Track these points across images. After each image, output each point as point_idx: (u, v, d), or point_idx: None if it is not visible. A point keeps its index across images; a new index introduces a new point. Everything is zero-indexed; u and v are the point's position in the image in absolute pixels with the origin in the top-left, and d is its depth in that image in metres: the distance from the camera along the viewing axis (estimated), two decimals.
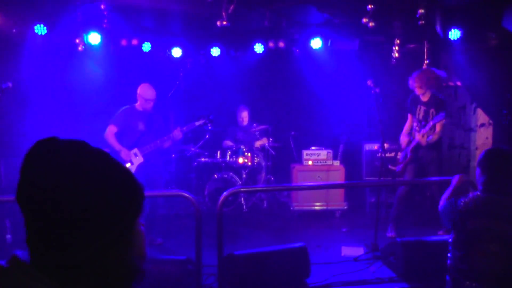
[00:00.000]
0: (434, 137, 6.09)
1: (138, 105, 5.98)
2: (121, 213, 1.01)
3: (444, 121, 6.10)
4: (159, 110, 6.26)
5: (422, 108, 6.24)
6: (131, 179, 1.05)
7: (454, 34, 7.13)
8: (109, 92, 7.30)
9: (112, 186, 0.99)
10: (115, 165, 1.03)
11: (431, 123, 6.03)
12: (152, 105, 5.95)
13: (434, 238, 5.00)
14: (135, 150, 5.85)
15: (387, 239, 5.85)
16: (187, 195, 4.03)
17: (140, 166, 5.83)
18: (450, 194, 3.48)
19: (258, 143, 7.99)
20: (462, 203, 3.11)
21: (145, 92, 5.89)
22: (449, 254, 3.26)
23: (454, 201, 3.18)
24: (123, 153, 5.75)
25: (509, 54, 7.05)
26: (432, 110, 6.16)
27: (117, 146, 5.77)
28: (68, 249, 0.94)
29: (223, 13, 5.15)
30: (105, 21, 6.19)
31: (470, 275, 3.01)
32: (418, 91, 6.20)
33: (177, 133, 5.98)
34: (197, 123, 6.25)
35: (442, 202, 3.42)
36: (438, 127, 6.07)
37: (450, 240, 3.24)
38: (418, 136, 6.16)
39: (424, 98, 6.24)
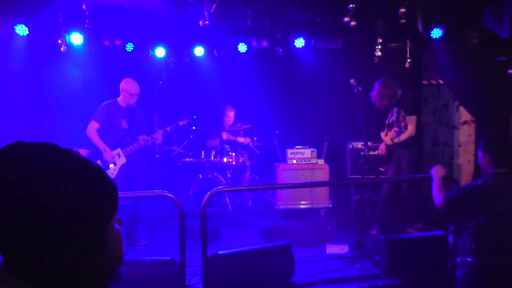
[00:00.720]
0: (404, 136, 6.15)
1: (120, 99, 5.85)
2: (94, 216, 0.96)
3: (415, 118, 6.13)
4: (142, 107, 6.21)
5: (395, 109, 6.33)
6: (103, 178, 1.01)
7: (436, 32, 7.22)
8: (92, 93, 7.24)
9: (82, 188, 0.95)
10: (85, 165, 0.99)
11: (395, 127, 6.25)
12: (135, 100, 5.85)
13: (418, 235, 5.04)
14: (118, 150, 5.79)
15: (372, 236, 5.89)
16: (170, 195, 4.01)
17: (123, 167, 5.79)
18: (440, 188, 3.63)
19: (240, 139, 7.99)
20: (484, 188, 3.28)
21: (129, 87, 5.77)
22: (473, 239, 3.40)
23: (470, 188, 3.34)
24: (107, 153, 5.69)
25: (490, 52, 7.14)
26: (400, 112, 6.27)
27: (101, 145, 5.70)
28: (38, 257, 0.90)
29: (205, 13, 5.14)
30: (87, 21, 6.14)
31: (503, 252, 3.23)
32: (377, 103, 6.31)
33: (158, 136, 5.94)
34: (180, 123, 6.23)
35: (440, 197, 3.57)
36: (409, 126, 6.14)
37: (474, 223, 3.37)
38: (382, 135, 6.32)
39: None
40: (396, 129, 6.32)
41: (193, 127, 7.67)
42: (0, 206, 0.89)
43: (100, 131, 5.80)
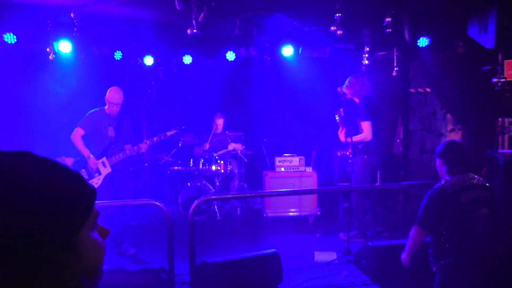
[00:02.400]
0: (357, 137, 6.27)
1: (107, 109, 5.90)
2: (61, 222, 0.89)
3: (368, 123, 6.22)
4: (129, 115, 6.23)
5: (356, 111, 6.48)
6: (77, 184, 0.96)
7: (423, 41, 7.31)
8: (81, 101, 7.23)
9: (50, 192, 0.89)
10: (58, 171, 0.94)
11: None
12: (117, 110, 5.87)
13: (403, 242, 5.08)
14: (104, 159, 5.80)
15: (359, 243, 5.94)
16: (157, 203, 4.03)
17: (107, 176, 5.79)
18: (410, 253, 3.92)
19: (231, 146, 8.01)
20: (446, 187, 3.60)
21: (111, 96, 5.82)
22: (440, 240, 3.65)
23: (433, 193, 3.64)
24: (92, 161, 5.70)
25: (475, 61, 7.25)
26: (356, 113, 6.42)
27: (85, 152, 5.71)
28: (9, 269, 0.85)
29: (193, 21, 5.18)
30: (75, 29, 6.16)
31: (470, 243, 3.51)
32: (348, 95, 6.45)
33: (143, 146, 5.95)
34: (168, 133, 6.23)
35: (410, 233, 3.82)
36: (364, 130, 6.23)
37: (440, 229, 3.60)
38: (338, 132, 6.52)
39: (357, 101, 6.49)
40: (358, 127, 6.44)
41: (183, 127, 7.70)
42: None
43: (86, 139, 5.82)
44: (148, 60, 8.05)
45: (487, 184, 3.72)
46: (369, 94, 6.35)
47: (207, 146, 7.96)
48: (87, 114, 5.89)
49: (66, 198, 0.92)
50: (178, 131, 6.26)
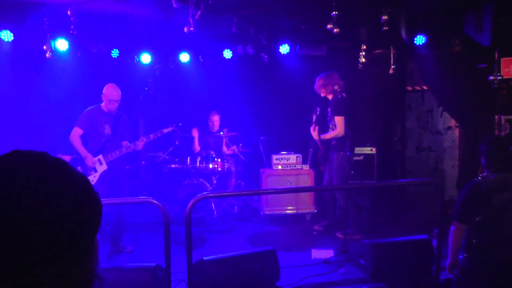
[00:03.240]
0: (330, 134, 6.40)
1: (103, 105, 5.88)
2: (88, 226, 0.96)
3: (342, 118, 6.25)
4: (126, 113, 6.21)
5: (328, 109, 6.56)
6: (91, 189, 1.00)
7: (419, 39, 7.32)
8: (77, 99, 7.22)
9: (75, 199, 0.94)
10: (75, 176, 0.98)
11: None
12: (116, 107, 5.86)
13: (402, 239, 5.10)
14: (100, 157, 5.79)
15: (356, 240, 5.95)
16: (154, 201, 4.02)
17: (103, 174, 5.78)
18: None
19: (227, 150, 8.03)
20: (481, 183, 3.60)
21: (109, 93, 5.79)
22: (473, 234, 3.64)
23: (469, 186, 3.65)
24: (88, 159, 5.69)
25: (472, 59, 7.27)
26: (329, 110, 6.52)
27: (83, 151, 5.71)
28: (34, 268, 0.88)
29: (190, 19, 5.17)
30: (72, 27, 6.14)
31: (501, 244, 3.52)
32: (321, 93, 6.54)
33: (139, 143, 5.92)
34: (165, 131, 6.21)
35: (450, 238, 3.75)
36: (337, 126, 6.29)
37: (474, 220, 3.61)
38: (311, 130, 6.58)
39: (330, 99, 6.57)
40: (329, 126, 6.57)
41: (179, 133, 7.71)
42: (3, 207, 0.87)
43: (83, 137, 5.81)
44: (145, 58, 8.04)
45: None
46: (342, 90, 6.38)
47: (198, 148, 7.98)
48: (84, 112, 5.87)
49: (92, 199, 0.98)
50: (175, 128, 6.24)
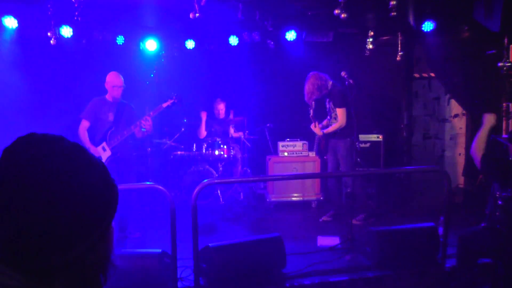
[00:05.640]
0: (333, 127, 6.41)
1: (108, 95, 5.92)
2: (103, 214, 0.95)
3: (344, 110, 6.30)
4: (133, 101, 6.20)
5: (327, 100, 6.59)
6: (108, 174, 0.99)
7: (427, 26, 7.24)
8: (82, 86, 7.22)
9: (92, 185, 0.93)
10: (92, 161, 0.97)
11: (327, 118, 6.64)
12: (120, 93, 5.87)
13: (408, 226, 5.08)
14: (103, 144, 5.81)
15: (362, 228, 5.94)
16: (160, 187, 4.02)
17: (108, 160, 5.79)
18: (482, 144, 4.14)
19: (234, 133, 8.02)
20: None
21: (112, 79, 5.82)
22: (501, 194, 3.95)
23: (507, 161, 3.95)
24: (91, 150, 5.71)
25: (481, 45, 7.18)
26: (328, 101, 6.56)
27: (87, 143, 5.76)
28: (48, 253, 0.87)
29: (196, 5, 5.13)
30: (77, 13, 6.11)
31: None
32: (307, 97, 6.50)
33: (146, 119, 5.81)
34: (164, 105, 6.06)
35: (478, 157, 4.08)
36: (339, 117, 6.33)
37: (503, 194, 3.91)
38: (312, 127, 6.59)
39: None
40: (328, 118, 6.60)
41: (184, 120, 7.68)
42: (16, 198, 0.85)
43: (90, 128, 5.87)
44: (151, 45, 7.99)
45: None
46: (334, 82, 6.39)
47: (204, 133, 7.95)
48: (89, 103, 5.91)
49: (109, 185, 0.98)
50: (175, 100, 6.12)
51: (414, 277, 4.64)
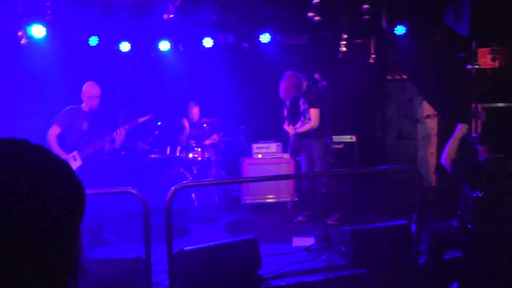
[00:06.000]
0: (306, 127, 6.47)
1: (84, 106, 5.81)
2: (71, 217, 0.91)
3: (318, 110, 6.35)
4: (106, 109, 6.11)
5: (301, 100, 6.64)
6: (75, 177, 0.97)
7: (400, 29, 7.35)
8: (54, 88, 7.09)
9: (58, 188, 0.90)
10: (58, 163, 0.94)
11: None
12: (97, 103, 5.78)
13: (382, 225, 5.16)
14: (74, 153, 5.68)
15: (337, 227, 6.00)
16: (133, 191, 3.99)
17: (79, 169, 5.63)
18: (453, 150, 4.35)
19: (207, 141, 7.99)
20: (485, 167, 4.01)
21: (89, 90, 5.73)
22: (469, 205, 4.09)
23: (473, 164, 4.09)
24: (62, 156, 5.57)
25: (451, 48, 7.34)
26: (303, 101, 6.61)
27: (56, 148, 5.58)
28: (20, 257, 0.84)
29: (170, 6, 5.10)
30: (49, 12, 5.99)
31: (497, 221, 3.94)
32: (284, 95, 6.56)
33: (120, 133, 5.77)
34: (140, 120, 6.03)
35: (448, 162, 4.29)
36: (312, 118, 6.39)
37: (473, 194, 4.03)
38: (285, 126, 6.66)
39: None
40: (302, 119, 6.62)
41: (159, 123, 7.62)
42: None
43: (61, 135, 5.72)
44: (125, 46, 7.91)
45: None
46: (322, 78, 6.43)
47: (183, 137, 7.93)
48: (64, 110, 5.78)
49: (76, 187, 0.95)
50: (151, 116, 6.11)
51: (389, 274, 4.71)
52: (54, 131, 5.67)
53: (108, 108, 6.15)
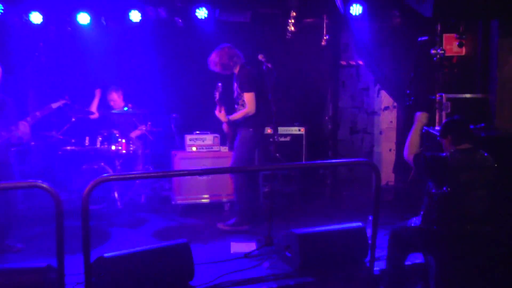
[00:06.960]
0: (239, 114, 6.42)
1: None
2: None
3: (252, 94, 6.31)
4: (15, 83, 5.87)
5: (235, 84, 6.60)
6: None
7: (355, 9, 7.44)
8: None
9: None
10: None
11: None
12: None
13: (333, 228, 5.23)
14: None
15: (242, 233, 6.14)
16: (43, 185, 3.84)
17: None
18: (414, 143, 4.52)
19: (134, 134, 7.86)
20: (450, 160, 4.12)
21: None
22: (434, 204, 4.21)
23: (437, 159, 4.19)
24: None
25: (413, 32, 7.50)
26: (236, 86, 6.54)
27: None
28: None
29: None
30: None
31: (464, 219, 4.08)
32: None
33: (23, 127, 5.44)
34: (54, 105, 5.84)
35: (410, 156, 4.44)
36: (247, 104, 6.34)
37: (438, 191, 4.16)
38: (216, 113, 6.58)
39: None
40: (236, 106, 6.58)
41: (74, 107, 7.42)
42: None
43: None
44: (36, 17, 7.61)
45: (493, 165, 4.21)
46: (244, 62, 6.44)
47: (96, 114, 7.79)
48: None
49: None
50: (67, 102, 5.94)
51: (340, 283, 4.79)
52: None
53: (15, 91, 5.89)
